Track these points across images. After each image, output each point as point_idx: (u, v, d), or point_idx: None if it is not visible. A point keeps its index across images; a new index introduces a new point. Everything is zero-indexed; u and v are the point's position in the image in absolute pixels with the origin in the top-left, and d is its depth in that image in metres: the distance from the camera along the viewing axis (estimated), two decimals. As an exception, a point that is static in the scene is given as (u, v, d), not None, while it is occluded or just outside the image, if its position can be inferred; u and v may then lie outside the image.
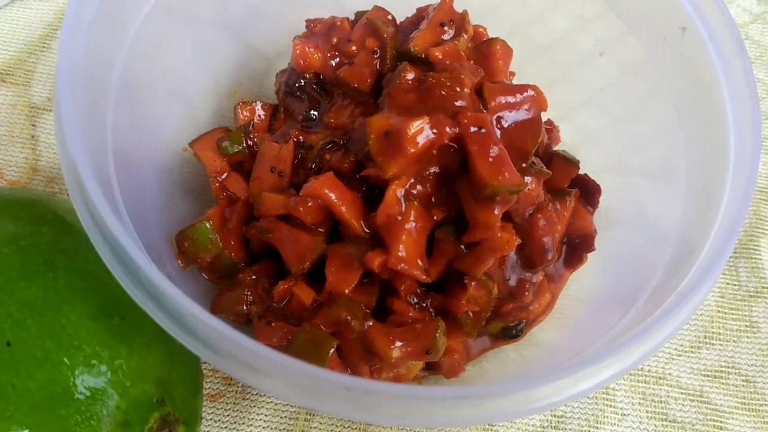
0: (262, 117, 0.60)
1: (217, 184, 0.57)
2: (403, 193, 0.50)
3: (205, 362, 0.57)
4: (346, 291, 0.51)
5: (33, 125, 0.64)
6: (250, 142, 0.58)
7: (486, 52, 0.56)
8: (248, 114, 0.59)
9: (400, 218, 0.49)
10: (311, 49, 0.56)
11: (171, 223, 0.56)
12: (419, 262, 0.51)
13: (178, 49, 0.61)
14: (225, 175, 0.57)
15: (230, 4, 0.64)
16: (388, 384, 0.41)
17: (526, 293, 0.56)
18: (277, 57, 0.65)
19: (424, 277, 0.51)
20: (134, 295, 0.41)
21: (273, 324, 0.52)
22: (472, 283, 0.52)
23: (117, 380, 0.42)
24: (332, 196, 0.50)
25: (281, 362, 0.38)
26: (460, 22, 0.56)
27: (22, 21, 0.69)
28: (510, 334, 0.58)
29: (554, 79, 0.63)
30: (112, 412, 0.42)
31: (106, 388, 0.42)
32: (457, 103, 0.50)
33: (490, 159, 0.49)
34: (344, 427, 0.57)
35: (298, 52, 0.56)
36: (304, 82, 0.57)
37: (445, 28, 0.56)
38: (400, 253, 0.50)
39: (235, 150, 0.57)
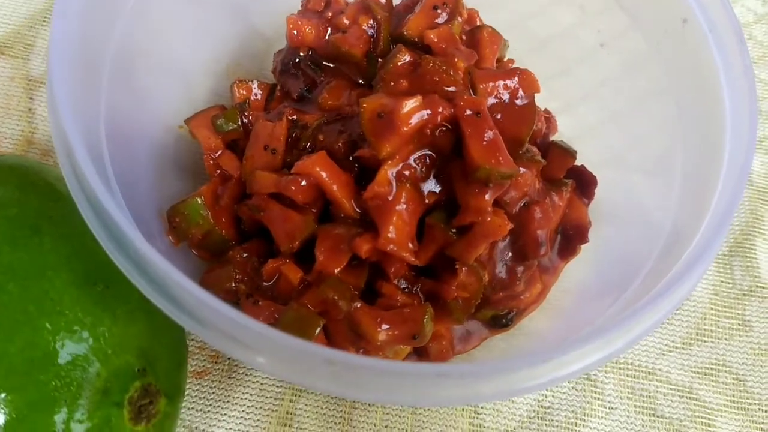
0: (259, 96, 0.59)
1: (211, 162, 0.57)
2: (394, 174, 0.49)
3: (192, 339, 0.57)
4: (335, 272, 0.51)
5: (30, 98, 0.64)
6: (245, 121, 0.57)
7: (473, 39, 0.56)
8: (244, 92, 0.59)
9: (390, 198, 0.49)
10: (304, 24, 0.56)
11: (164, 199, 0.56)
12: (409, 244, 0.51)
13: (177, 26, 0.60)
14: (219, 152, 0.57)
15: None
16: (370, 359, 0.41)
17: (518, 282, 0.55)
18: (277, 38, 0.64)
19: (413, 259, 0.50)
20: (118, 262, 0.40)
21: (260, 303, 0.51)
22: (463, 269, 0.52)
23: (98, 347, 0.42)
24: (324, 174, 0.50)
25: (263, 333, 0.38)
26: (454, 5, 0.56)
27: (24, -5, 0.69)
28: (500, 323, 0.57)
29: (554, 72, 0.62)
30: (92, 379, 0.42)
31: (87, 355, 0.42)
32: (451, 88, 0.50)
33: (484, 142, 0.49)
34: (329, 407, 0.56)
35: (291, 27, 0.56)
36: (299, 60, 0.57)
37: (439, 11, 0.55)
38: (389, 235, 0.49)
39: (230, 128, 0.57)
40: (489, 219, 0.49)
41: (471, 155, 0.49)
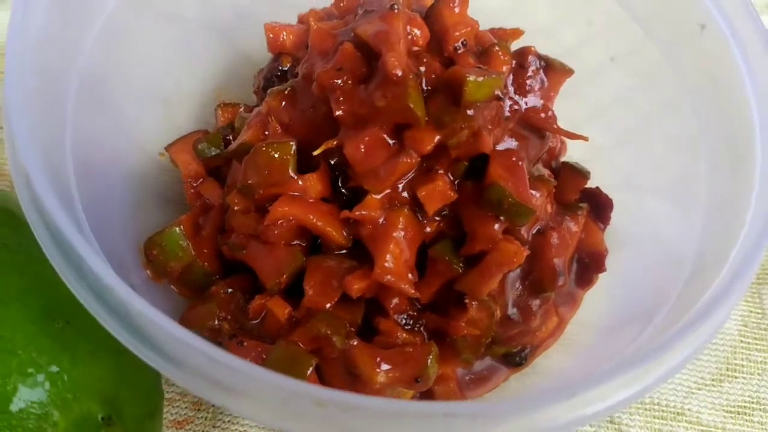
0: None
1: (192, 190, 0.53)
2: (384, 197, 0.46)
3: (172, 384, 0.52)
4: (327, 306, 0.46)
5: (1, 127, 0.61)
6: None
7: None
8: (229, 116, 0.55)
9: (383, 222, 0.45)
10: (282, 29, 0.53)
11: (144, 232, 0.52)
12: (409, 275, 0.46)
13: (156, 51, 0.58)
14: (200, 180, 0.53)
15: (218, 5, 0.61)
16: (366, 397, 0.36)
17: (533, 317, 0.51)
18: (264, 62, 0.61)
19: (412, 291, 0.46)
20: (77, 292, 0.36)
21: (245, 344, 0.47)
22: (473, 304, 0.48)
23: (56, 393, 0.38)
24: (299, 213, 0.46)
25: (243, 370, 0.34)
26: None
27: (-1, 22, 0.66)
28: (513, 361, 0.53)
29: (562, 91, 0.59)
30: (49, 429, 0.37)
31: (43, 401, 0.37)
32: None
33: (508, 163, 0.47)
34: (324, 460, 0.51)
35: (269, 32, 0.53)
36: (281, 73, 0.53)
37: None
38: (386, 264, 0.45)
39: (213, 153, 0.53)
40: (501, 246, 0.46)
41: (489, 171, 0.46)
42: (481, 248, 0.47)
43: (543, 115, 0.50)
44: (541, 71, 0.51)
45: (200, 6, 0.60)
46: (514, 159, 0.47)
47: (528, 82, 0.50)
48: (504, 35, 0.58)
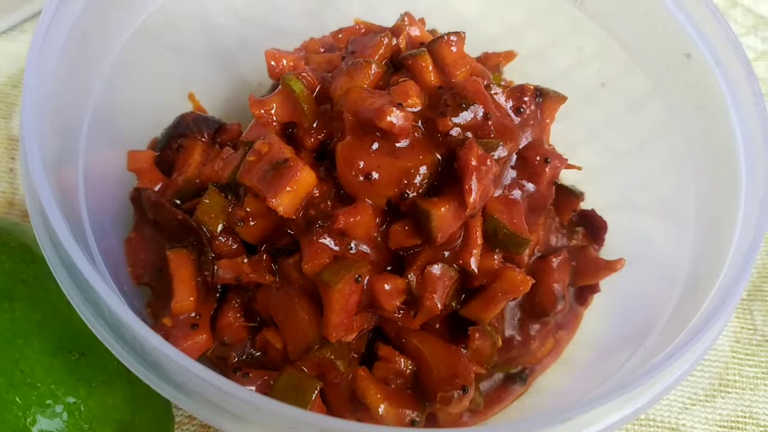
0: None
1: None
2: None
3: (181, 409, 0.53)
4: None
5: (12, 158, 0.62)
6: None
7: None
8: None
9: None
10: (283, 56, 0.53)
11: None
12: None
13: (164, 80, 0.59)
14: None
15: (221, 36, 0.63)
16: (369, 426, 0.37)
17: (532, 340, 0.52)
18: (265, 89, 0.62)
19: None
20: (93, 326, 0.38)
21: (250, 375, 0.47)
22: (476, 334, 0.48)
23: (74, 422, 0.39)
24: None
25: (251, 400, 0.35)
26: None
27: (7, 53, 0.67)
28: (514, 381, 0.54)
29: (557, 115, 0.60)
30: (67, 458, 0.38)
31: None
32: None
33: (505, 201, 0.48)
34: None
35: (269, 59, 0.53)
36: None
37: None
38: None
39: None
40: (507, 274, 0.46)
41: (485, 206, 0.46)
42: (480, 283, 0.47)
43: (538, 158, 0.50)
44: (538, 111, 0.50)
45: (204, 39, 0.61)
46: (510, 196, 0.48)
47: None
48: (497, 59, 0.59)
